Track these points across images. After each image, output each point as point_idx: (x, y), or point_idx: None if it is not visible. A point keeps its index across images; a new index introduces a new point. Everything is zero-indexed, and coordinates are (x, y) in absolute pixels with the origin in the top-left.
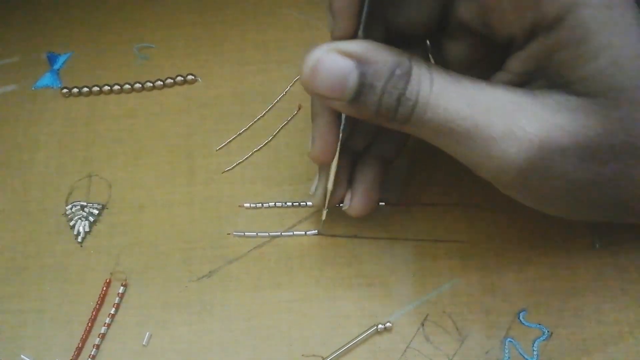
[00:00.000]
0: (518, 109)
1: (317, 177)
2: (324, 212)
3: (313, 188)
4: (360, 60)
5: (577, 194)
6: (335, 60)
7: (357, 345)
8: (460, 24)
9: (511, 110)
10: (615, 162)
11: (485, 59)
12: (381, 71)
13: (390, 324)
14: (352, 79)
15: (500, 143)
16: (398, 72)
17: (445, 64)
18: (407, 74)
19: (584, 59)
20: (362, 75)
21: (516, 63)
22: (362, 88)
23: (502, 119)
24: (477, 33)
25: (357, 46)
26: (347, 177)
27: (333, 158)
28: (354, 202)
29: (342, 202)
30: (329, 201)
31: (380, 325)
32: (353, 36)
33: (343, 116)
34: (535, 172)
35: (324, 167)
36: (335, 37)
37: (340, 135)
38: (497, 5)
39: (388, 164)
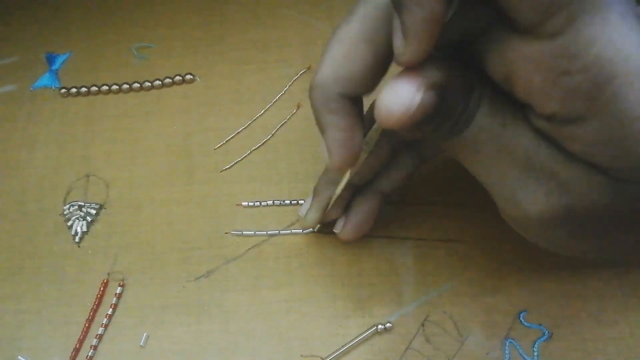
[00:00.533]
0: (546, 172)
1: (310, 200)
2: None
3: (304, 211)
4: (437, 89)
5: (588, 244)
6: (426, 103)
7: (356, 345)
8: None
9: (538, 164)
10: (621, 228)
11: None
12: (453, 99)
13: (390, 324)
14: (429, 106)
15: (521, 194)
16: (462, 95)
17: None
18: (468, 98)
19: (629, 151)
20: (438, 109)
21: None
22: (433, 120)
23: (530, 177)
24: None
25: (437, 75)
26: (345, 203)
27: (356, 162)
28: (346, 230)
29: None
30: (321, 218)
31: (380, 326)
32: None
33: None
34: (546, 225)
35: (319, 193)
36: (406, 63)
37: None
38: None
39: (385, 198)
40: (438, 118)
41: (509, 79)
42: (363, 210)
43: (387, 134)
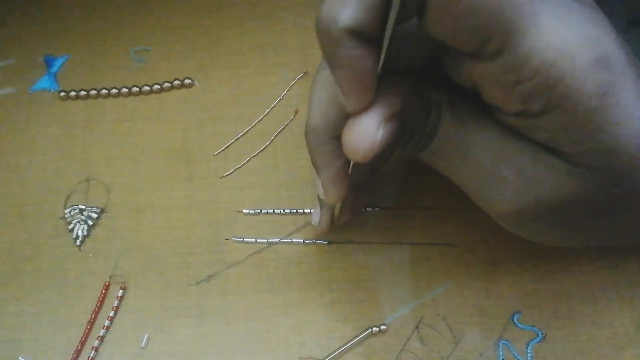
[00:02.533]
0: (513, 170)
1: (318, 209)
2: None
3: (316, 219)
4: (396, 119)
5: (566, 233)
6: (386, 136)
7: (352, 347)
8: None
9: (505, 163)
10: (592, 216)
11: None
12: (413, 121)
13: (385, 327)
14: (390, 136)
15: (492, 193)
16: (423, 113)
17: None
18: (427, 113)
19: (587, 137)
20: (400, 131)
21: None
22: (399, 138)
23: (499, 176)
24: None
25: (394, 105)
26: (350, 203)
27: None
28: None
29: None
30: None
31: (375, 328)
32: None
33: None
34: (522, 219)
35: (324, 203)
36: (353, 113)
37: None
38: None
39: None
40: (401, 142)
41: (474, 88)
42: (348, 201)
43: None
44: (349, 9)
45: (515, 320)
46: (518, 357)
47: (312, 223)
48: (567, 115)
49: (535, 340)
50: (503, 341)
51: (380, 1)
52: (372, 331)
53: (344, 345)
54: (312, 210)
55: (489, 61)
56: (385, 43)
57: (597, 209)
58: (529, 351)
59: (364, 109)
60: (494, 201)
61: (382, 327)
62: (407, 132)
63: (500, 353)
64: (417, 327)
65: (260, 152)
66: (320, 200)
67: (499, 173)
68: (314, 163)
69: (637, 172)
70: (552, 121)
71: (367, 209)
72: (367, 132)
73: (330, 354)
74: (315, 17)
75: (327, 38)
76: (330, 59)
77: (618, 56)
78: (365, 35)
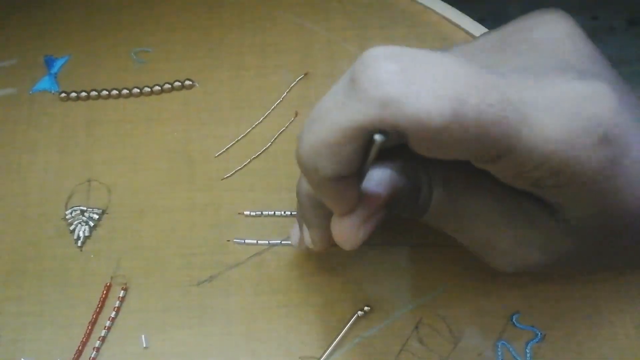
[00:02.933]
0: (507, 230)
1: (304, 230)
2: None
3: (309, 241)
4: (382, 209)
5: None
6: (358, 234)
7: (351, 347)
8: None
9: (500, 232)
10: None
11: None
12: (402, 205)
13: (369, 307)
14: (374, 224)
15: (490, 257)
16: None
17: None
18: (417, 194)
19: (593, 203)
20: (386, 218)
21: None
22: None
23: (493, 239)
24: None
25: (379, 198)
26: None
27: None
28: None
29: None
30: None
31: (359, 312)
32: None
33: None
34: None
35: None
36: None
37: None
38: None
39: None
40: (393, 213)
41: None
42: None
43: None
44: (326, 164)
45: (514, 320)
46: (517, 357)
47: (307, 244)
48: (576, 188)
49: (535, 340)
50: (502, 341)
51: (355, 154)
52: (358, 315)
53: (335, 337)
54: (291, 231)
55: (491, 163)
56: (367, 168)
57: (593, 256)
58: (528, 351)
59: (348, 212)
60: (493, 264)
61: (366, 308)
62: (398, 210)
63: (499, 353)
64: (416, 327)
65: (261, 153)
66: (306, 221)
67: (494, 242)
68: (304, 218)
69: (636, 227)
70: (561, 193)
71: None
72: (349, 233)
73: (326, 350)
74: (295, 151)
75: (308, 176)
76: (313, 186)
77: (620, 124)
78: (347, 175)
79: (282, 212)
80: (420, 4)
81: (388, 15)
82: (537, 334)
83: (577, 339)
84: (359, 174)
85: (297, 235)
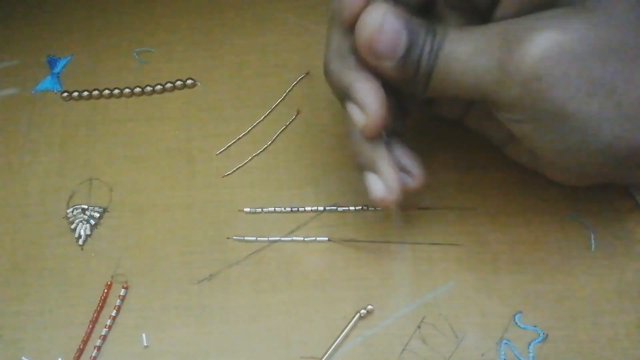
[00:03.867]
0: (523, 24)
1: (370, 177)
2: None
3: (377, 188)
4: (406, 21)
5: (579, 114)
6: (393, 21)
7: (354, 346)
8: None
9: (518, 25)
10: (610, 63)
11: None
12: (419, 30)
13: (372, 307)
14: (404, 38)
15: (515, 44)
16: (428, 28)
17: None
18: (434, 30)
19: None
20: (410, 33)
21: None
22: (410, 45)
23: (515, 29)
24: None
25: (402, 10)
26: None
27: (385, 124)
28: (418, 173)
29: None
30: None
31: (362, 311)
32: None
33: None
34: (546, 70)
35: (378, 161)
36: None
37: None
38: None
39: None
40: (412, 47)
41: None
42: (407, 151)
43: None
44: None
45: (517, 320)
46: (519, 357)
47: (372, 197)
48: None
49: (537, 340)
50: (505, 341)
51: None
52: (360, 314)
53: (337, 337)
54: (369, 183)
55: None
56: None
57: (609, 54)
58: (530, 351)
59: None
60: (521, 49)
61: (369, 307)
62: (412, 52)
63: (502, 353)
64: (419, 326)
65: (261, 151)
66: (367, 166)
67: (524, 29)
68: (340, 88)
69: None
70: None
71: (370, 208)
72: (375, 15)
73: (327, 351)
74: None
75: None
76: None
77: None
78: None
79: (283, 209)
80: None
81: None
82: (540, 334)
83: (579, 339)
84: None
85: (377, 187)
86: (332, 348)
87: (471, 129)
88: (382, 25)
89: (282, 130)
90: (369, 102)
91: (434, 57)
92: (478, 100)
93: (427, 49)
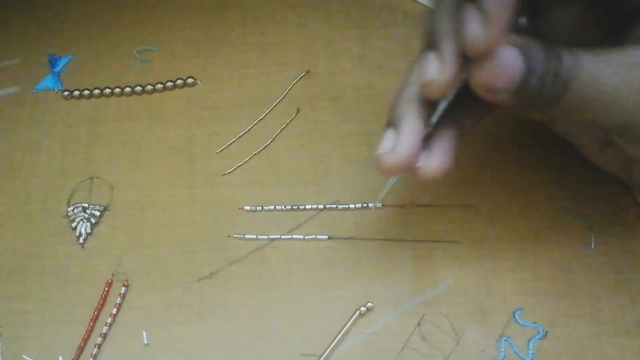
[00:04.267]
0: None
1: (390, 131)
2: (392, 180)
3: (387, 145)
4: (521, 49)
5: None
6: (510, 54)
7: (354, 344)
8: None
9: None
10: None
11: (597, 25)
12: (539, 56)
13: (372, 304)
14: (520, 67)
15: None
16: (551, 54)
17: (550, 35)
18: (559, 55)
19: None
20: (528, 61)
21: None
22: (528, 74)
23: None
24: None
25: (516, 38)
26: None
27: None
28: (432, 160)
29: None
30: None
31: (362, 308)
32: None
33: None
34: None
35: (404, 118)
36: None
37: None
38: None
39: (463, 135)
40: (530, 75)
41: None
42: (447, 138)
43: None
44: None
45: (516, 317)
46: (519, 354)
47: (381, 151)
48: None
49: (537, 337)
50: (504, 338)
51: None
52: (360, 311)
53: (338, 333)
54: (383, 140)
55: None
56: None
57: None
58: (530, 348)
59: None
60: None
61: (369, 304)
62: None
63: (502, 350)
64: (419, 324)
65: (262, 150)
66: (395, 121)
67: None
68: (436, 32)
69: None
70: None
71: (369, 205)
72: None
73: (327, 348)
74: None
75: None
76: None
77: None
78: None
79: (283, 207)
80: (421, 3)
81: (389, 14)
82: (540, 331)
83: (579, 335)
84: None
85: (388, 140)
86: (332, 345)
87: (557, 133)
88: (502, 62)
89: (283, 128)
90: (450, 61)
91: (562, 86)
92: (609, 127)
93: (549, 77)
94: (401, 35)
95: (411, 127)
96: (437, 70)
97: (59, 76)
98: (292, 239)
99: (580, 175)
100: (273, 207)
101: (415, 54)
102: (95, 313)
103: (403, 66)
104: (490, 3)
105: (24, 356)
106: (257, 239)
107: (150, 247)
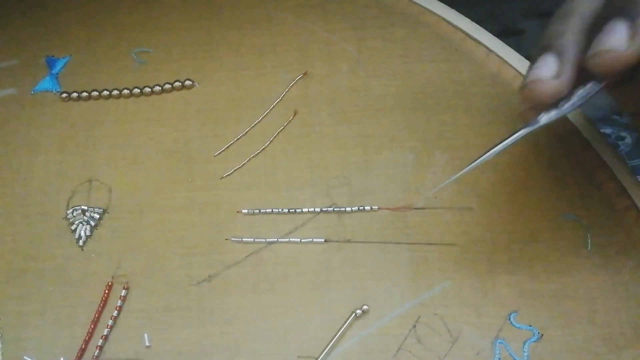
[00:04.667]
0: None
1: (552, 57)
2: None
3: (550, 70)
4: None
5: None
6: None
7: (350, 347)
8: None
9: None
10: None
11: None
12: None
13: (367, 307)
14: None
15: None
16: None
17: None
18: None
19: None
20: None
21: None
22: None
23: None
24: None
25: None
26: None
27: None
28: (567, 73)
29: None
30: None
31: (358, 311)
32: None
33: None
34: None
35: (572, 46)
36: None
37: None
38: None
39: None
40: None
41: None
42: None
43: None
44: None
45: (512, 319)
46: (515, 357)
47: (529, 79)
48: None
49: (532, 339)
50: (500, 340)
51: None
52: (355, 314)
53: (334, 336)
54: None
55: None
56: None
57: None
58: (525, 350)
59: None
60: None
61: (365, 307)
62: None
63: (497, 352)
64: (414, 326)
65: (259, 152)
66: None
67: None
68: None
69: None
70: None
71: (366, 207)
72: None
73: (323, 350)
74: None
75: None
76: None
77: None
78: None
79: (280, 210)
80: (419, 4)
81: (386, 16)
82: (535, 333)
83: (574, 338)
84: None
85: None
86: (328, 348)
87: None
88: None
89: (280, 131)
90: (569, 66)
91: None
92: None
93: None
94: (398, 37)
95: (578, 58)
96: (554, 71)
97: (56, 78)
98: (289, 242)
99: (576, 178)
100: (270, 210)
101: (412, 56)
102: (96, 315)
103: (400, 68)
104: None
105: (25, 357)
106: (254, 242)
107: (149, 249)
